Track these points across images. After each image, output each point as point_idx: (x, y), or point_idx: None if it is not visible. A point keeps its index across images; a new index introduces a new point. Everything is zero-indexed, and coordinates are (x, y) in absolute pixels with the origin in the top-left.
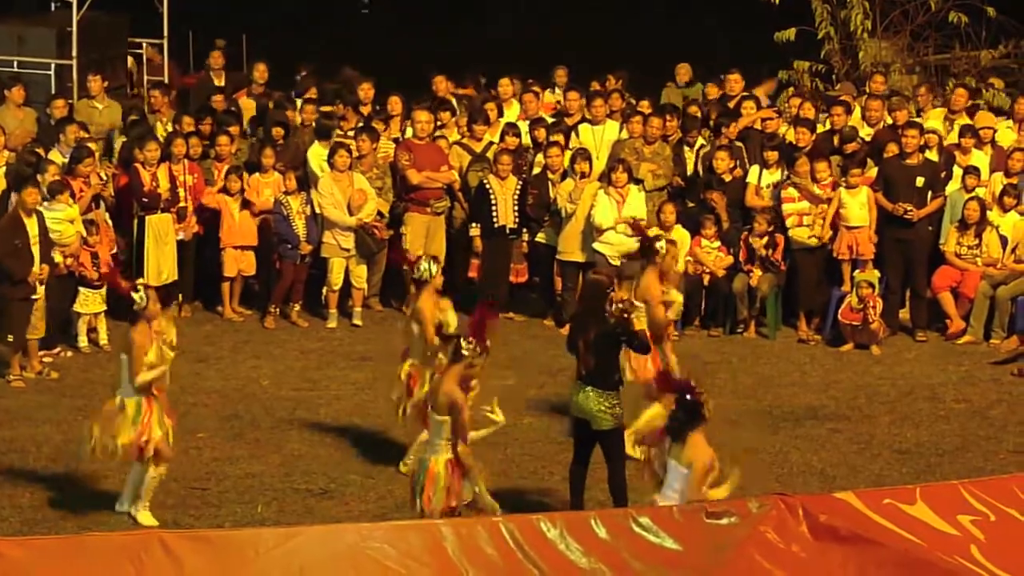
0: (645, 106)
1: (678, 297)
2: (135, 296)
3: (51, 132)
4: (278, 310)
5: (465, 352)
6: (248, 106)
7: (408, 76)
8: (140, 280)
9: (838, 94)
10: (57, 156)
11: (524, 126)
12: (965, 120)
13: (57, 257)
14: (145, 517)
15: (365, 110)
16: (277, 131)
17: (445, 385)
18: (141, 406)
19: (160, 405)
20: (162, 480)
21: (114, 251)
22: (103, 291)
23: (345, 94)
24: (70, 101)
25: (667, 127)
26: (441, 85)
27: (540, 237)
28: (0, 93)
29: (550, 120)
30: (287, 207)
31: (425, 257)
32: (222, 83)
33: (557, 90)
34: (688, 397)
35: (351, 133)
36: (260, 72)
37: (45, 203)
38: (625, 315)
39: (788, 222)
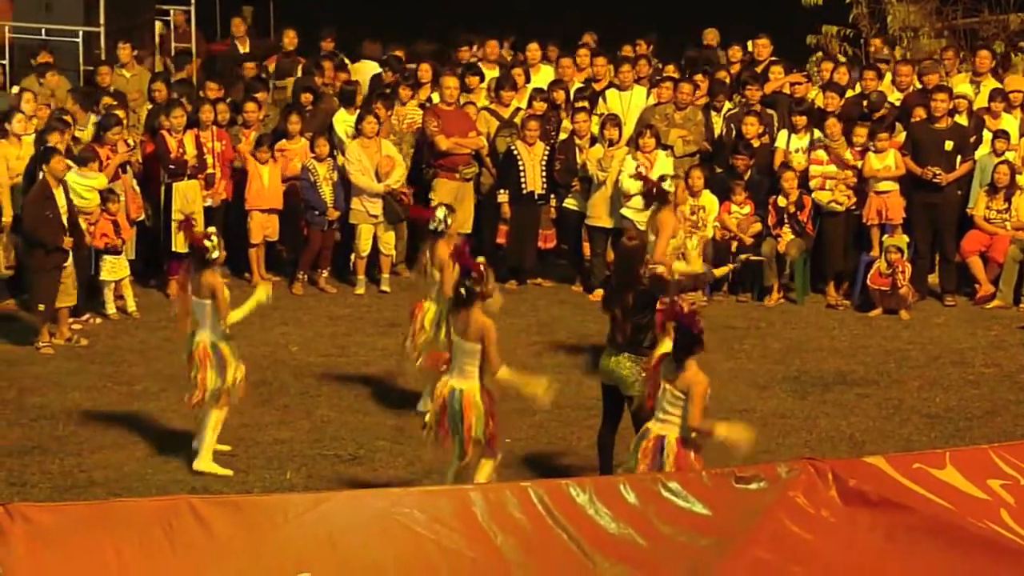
0: (671, 70)
1: (689, 242)
2: (208, 244)
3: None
4: (306, 276)
5: (477, 287)
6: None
7: (434, 41)
8: (211, 229)
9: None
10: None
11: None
12: (992, 83)
13: (82, 224)
14: (216, 467)
15: (387, 76)
16: (305, 97)
17: (474, 316)
18: (231, 346)
19: None
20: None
21: (141, 218)
22: (124, 257)
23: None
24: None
25: (696, 92)
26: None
27: (568, 203)
28: (28, 61)
29: (578, 84)
30: (314, 173)
31: (440, 208)
32: (247, 50)
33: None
34: (689, 325)
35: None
36: (289, 38)
37: (74, 170)
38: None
39: (812, 183)
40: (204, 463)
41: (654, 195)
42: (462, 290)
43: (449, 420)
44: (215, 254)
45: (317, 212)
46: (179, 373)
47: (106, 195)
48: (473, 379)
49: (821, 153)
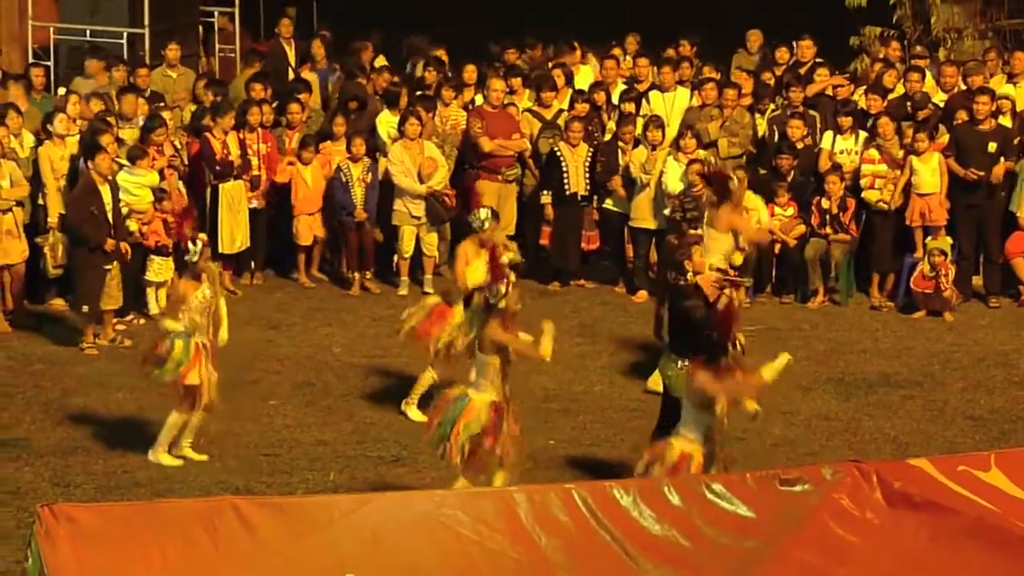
0: (709, 70)
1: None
2: (191, 247)
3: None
4: (355, 276)
5: (494, 301)
6: (311, 80)
7: (474, 43)
8: (201, 235)
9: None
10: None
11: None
12: None
13: (132, 225)
14: (165, 458)
15: (430, 77)
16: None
17: (489, 331)
18: (188, 349)
19: (208, 355)
20: (185, 427)
21: None
22: (171, 259)
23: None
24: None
25: (742, 93)
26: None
27: (609, 204)
28: (75, 62)
29: (622, 86)
30: (347, 174)
31: (486, 210)
32: (293, 51)
33: (628, 57)
34: (713, 337)
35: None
36: (324, 39)
37: (125, 168)
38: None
39: (862, 182)
40: (153, 453)
41: (715, 186)
42: (484, 299)
43: (440, 422)
44: (194, 258)
45: (345, 212)
46: (222, 375)
47: (159, 194)
48: (486, 392)
49: (874, 152)
